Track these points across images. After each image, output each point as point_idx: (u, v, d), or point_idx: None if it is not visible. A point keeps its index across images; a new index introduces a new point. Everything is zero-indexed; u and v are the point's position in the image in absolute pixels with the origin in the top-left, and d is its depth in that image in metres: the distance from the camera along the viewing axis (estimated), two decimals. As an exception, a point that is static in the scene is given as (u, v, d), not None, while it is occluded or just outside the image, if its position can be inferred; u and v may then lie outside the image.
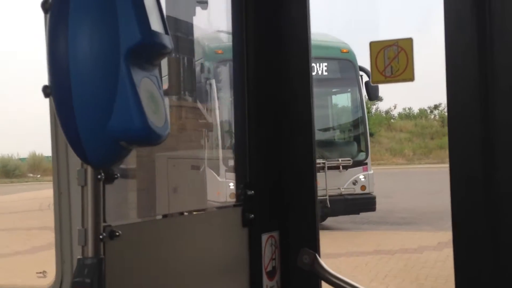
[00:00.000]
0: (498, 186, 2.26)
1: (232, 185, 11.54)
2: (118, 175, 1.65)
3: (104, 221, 1.63)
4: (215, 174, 12.57)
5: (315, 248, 2.58)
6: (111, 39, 1.45)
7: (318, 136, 15.46)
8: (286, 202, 2.62)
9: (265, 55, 2.59)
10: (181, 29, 2.58)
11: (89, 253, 1.58)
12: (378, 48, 2.60)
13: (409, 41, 2.57)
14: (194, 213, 2.36)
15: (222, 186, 12.47)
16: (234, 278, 2.45)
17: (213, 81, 10.67)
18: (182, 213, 2.31)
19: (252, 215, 2.47)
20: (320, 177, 13.82)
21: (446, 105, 2.38)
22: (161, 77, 2.35)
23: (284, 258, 2.61)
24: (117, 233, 1.69)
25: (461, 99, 2.32)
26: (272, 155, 2.61)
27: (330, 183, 13.93)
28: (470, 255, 2.30)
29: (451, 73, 2.33)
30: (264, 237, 2.51)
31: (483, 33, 2.27)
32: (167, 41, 1.56)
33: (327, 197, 13.87)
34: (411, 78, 2.57)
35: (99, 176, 1.58)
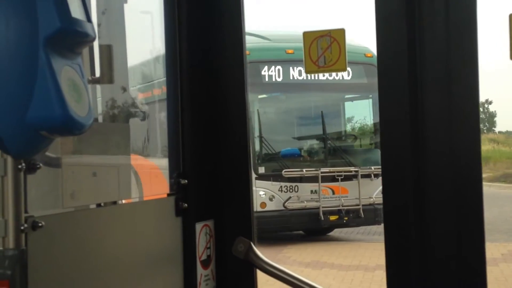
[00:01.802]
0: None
1: (263, 194, 10.81)
2: (40, 165, 1.62)
3: (26, 211, 1.60)
4: None
5: (250, 236, 2.60)
6: (28, 26, 1.42)
7: (346, 142, 14.66)
8: (221, 191, 2.63)
9: (200, 38, 2.57)
10: (112, 15, 2.55)
11: (10, 245, 1.55)
12: (311, 38, 2.62)
13: (341, 32, 2.60)
14: (127, 202, 2.34)
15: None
16: (167, 268, 2.44)
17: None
18: (115, 203, 2.28)
19: (186, 205, 2.47)
20: (353, 185, 13.12)
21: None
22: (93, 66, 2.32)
23: (219, 247, 2.62)
24: (40, 224, 1.66)
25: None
26: (207, 144, 2.61)
27: (361, 192, 13.09)
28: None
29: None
30: (198, 226, 2.51)
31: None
32: (89, 28, 1.54)
33: (361, 206, 13.05)
34: (343, 68, 2.61)
35: (19, 166, 1.55)
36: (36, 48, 1.42)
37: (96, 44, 2.21)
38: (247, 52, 2.88)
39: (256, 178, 12.26)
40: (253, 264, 2.56)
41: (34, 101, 1.43)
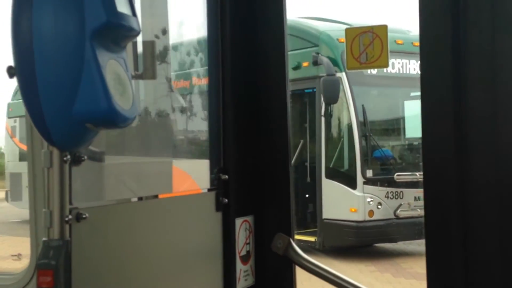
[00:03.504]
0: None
1: (370, 201, 10.65)
2: (85, 157, 1.65)
3: (71, 203, 1.63)
4: (347, 187, 11.34)
5: (289, 233, 2.59)
6: (76, 20, 1.44)
7: (401, 143, 12.91)
8: (261, 187, 2.63)
9: (242, 38, 2.58)
10: (156, 9, 2.57)
11: (54, 235, 1.58)
12: (353, 35, 2.60)
13: (383, 28, 2.58)
14: (168, 197, 2.36)
15: (359, 201, 11.19)
16: (207, 262, 2.46)
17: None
18: (156, 197, 2.31)
19: (226, 200, 2.48)
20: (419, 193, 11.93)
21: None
22: (137, 60, 2.34)
23: (258, 243, 2.62)
24: (84, 216, 1.69)
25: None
26: (247, 140, 2.61)
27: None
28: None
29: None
30: (238, 221, 2.52)
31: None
32: (134, 23, 1.56)
33: None
34: (385, 64, 2.58)
35: (65, 158, 1.57)
36: (83, 41, 1.44)
37: (139, 40, 2.24)
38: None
39: (364, 183, 11.48)
40: (292, 261, 2.56)
41: (80, 94, 1.45)
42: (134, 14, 1.57)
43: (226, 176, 2.50)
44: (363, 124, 11.73)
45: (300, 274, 2.64)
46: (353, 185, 11.48)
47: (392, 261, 11.62)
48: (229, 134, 2.52)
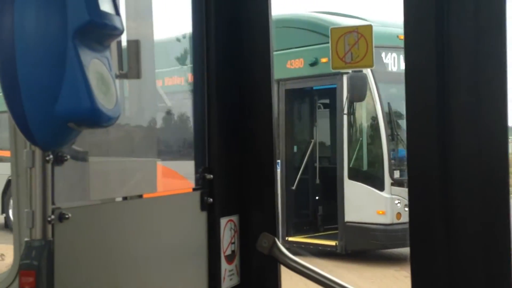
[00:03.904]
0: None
1: (398, 202, 10.14)
2: (68, 156, 1.64)
3: (53, 203, 1.62)
4: (373, 188, 10.90)
5: (274, 232, 2.59)
6: (58, 19, 1.43)
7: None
8: (246, 186, 2.63)
9: (227, 37, 2.58)
10: (140, 9, 2.56)
11: (37, 236, 1.57)
12: (338, 35, 2.61)
13: (368, 28, 2.59)
14: (152, 197, 2.35)
15: (387, 203, 10.63)
16: (192, 262, 2.45)
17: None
18: (140, 196, 2.30)
19: (211, 199, 2.48)
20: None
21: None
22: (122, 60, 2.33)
23: (244, 242, 2.62)
24: (66, 216, 1.67)
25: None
26: (232, 139, 2.61)
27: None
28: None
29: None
30: (223, 221, 2.52)
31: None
32: (117, 22, 1.55)
33: None
34: (370, 64, 2.59)
35: (47, 158, 1.56)
36: (65, 40, 1.43)
37: (123, 39, 2.23)
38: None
39: (392, 184, 10.97)
40: (277, 260, 2.56)
41: (62, 93, 1.44)
42: (117, 13, 1.56)
43: (211, 176, 2.49)
44: (390, 123, 11.30)
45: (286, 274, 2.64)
46: (380, 187, 10.96)
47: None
48: (214, 133, 2.52)
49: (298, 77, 11.17)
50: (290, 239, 11.60)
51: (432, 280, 2.31)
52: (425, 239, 2.34)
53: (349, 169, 11.30)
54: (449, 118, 2.29)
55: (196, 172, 2.50)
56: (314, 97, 12.63)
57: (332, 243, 11.38)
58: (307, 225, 12.14)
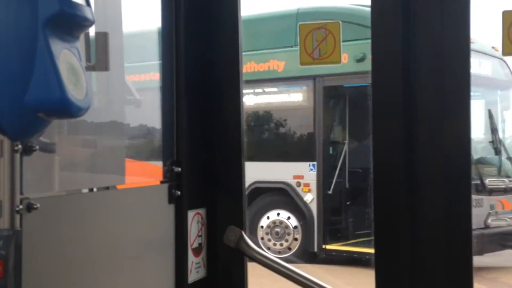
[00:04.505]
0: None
1: None
2: (37, 147, 1.63)
3: (21, 193, 1.61)
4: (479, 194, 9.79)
5: (242, 225, 2.62)
6: (28, 8, 1.43)
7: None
8: (214, 179, 2.65)
9: (197, 31, 2.59)
10: (110, 3, 2.56)
11: (5, 225, 1.57)
12: (306, 31, 2.64)
13: (336, 25, 2.62)
14: (120, 188, 2.36)
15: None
16: (159, 254, 2.46)
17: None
18: (108, 188, 2.30)
19: (179, 192, 2.49)
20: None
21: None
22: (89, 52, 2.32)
23: (211, 235, 2.64)
24: (35, 206, 1.67)
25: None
26: (201, 132, 2.62)
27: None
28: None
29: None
30: (191, 214, 2.53)
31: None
32: (88, 12, 1.55)
33: None
34: (337, 61, 2.63)
35: (16, 148, 1.56)
36: (36, 30, 1.43)
37: (92, 31, 2.22)
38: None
39: None
40: (243, 253, 2.58)
41: (32, 83, 1.44)
42: (88, 4, 1.57)
43: (179, 169, 2.50)
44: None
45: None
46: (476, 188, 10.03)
47: (477, 274, 9.64)
48: (182, 126, 2.53)
49: (340, 73, 10.25)
50: (328, 247, 10.66)
51: (396, 276, 2.37)
52: (390, 239, 2.39)
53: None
54: (415, 118, 2.34)
55: (164, 165, 2.51)
56: (357, 95, 11.83)
57: None
58: (339, 232, 11.19)
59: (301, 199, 10.64)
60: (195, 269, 2.54)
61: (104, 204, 2.17)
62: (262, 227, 10.94)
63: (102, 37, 2.34)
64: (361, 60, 10.15)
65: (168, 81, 2.53)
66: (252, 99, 11.48)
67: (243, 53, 2.70)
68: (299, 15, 10.75)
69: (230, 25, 2.64)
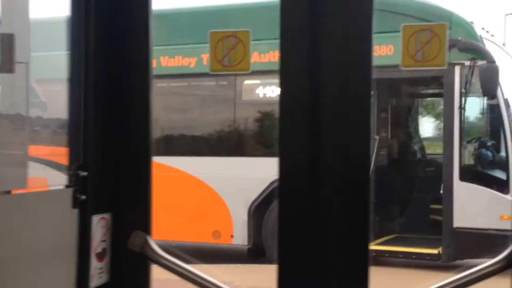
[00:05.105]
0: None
1: None
2: None
3: None
4: (496, 191, 9.53)
5: (147, 230, 2.62)
6: None
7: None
8: (120, 184, 2.64)
9: (105, 35, 2.57)
10: (17, 4, 2.52)
11: None
12: (217, 38, 2.67)
13: (246, 33, 2.66)
14: (21, 193, 2.33)
15: None
16: (60, 260, 2.44)
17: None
18: (8, 192, 2.27)
19: (84, 197, 2.47)
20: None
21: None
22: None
23: (116, 240, 2.63)
24: None
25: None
26: (108, 136, 2.60)
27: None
28: None
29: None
30: (95, 218, 2.52)
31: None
32: None
33: None
34: (247, 68, 2.67)
35: None
36: None
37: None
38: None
39: None
40: (148, 258, 2.59)
41: None
42: None
43: (85, 173, 2.49)
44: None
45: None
46: (504, 190, 9.64)
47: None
48: (89, 130, 2.51)
49: (393, 65, 9.20)
50: (377, 247, 9.97)
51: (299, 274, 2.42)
52: (295, 238, 2.44)
53: (461, 169, 9.85)
54: (320, 118, 2.40)
55: (70, 169, 2.49)
56: (409, 88, 11.45)
57: (434, 251, 10.03)
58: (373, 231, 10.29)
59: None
60: (98, 274, 2.53)
61: (4, 209, 2.14)
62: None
63: (8, 38, 2.31)
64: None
65: (75, 85, 2.51)
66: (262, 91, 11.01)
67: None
68: None
69: (140, 22, 2.61)
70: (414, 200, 11.06)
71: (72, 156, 2.52)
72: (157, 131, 10.94)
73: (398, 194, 11.05)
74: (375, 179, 9.45)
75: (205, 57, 10.42)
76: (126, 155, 2.64)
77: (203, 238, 10.97)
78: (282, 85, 2.47)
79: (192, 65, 11.04)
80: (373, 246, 9.71)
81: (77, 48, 2.51)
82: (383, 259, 10.01)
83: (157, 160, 2.71)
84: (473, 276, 2.31)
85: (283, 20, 2.45)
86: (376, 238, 10.22)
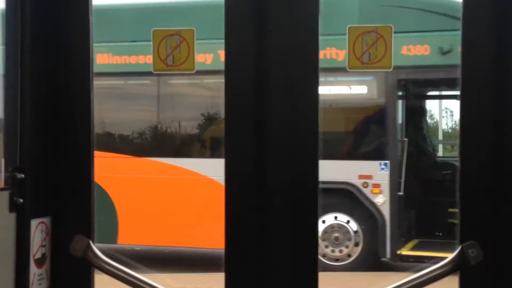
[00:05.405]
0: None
1: None
2: None
3: None
4: None
5: (89, 234, 2.52)
6: None
7: None
8: (60, 187, 2.53)
9: (43, 31, 2.47)
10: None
11: None
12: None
13: (190, 32, 2.62)
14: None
15: None
16: None
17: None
18: None
19: (21, 200, 2.36)
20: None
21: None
22: None
23: (56, 245, 2.52)
24: None
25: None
26: (47, 137, 2.50)
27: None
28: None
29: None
30: (34, 223, 2.40)
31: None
32: None
33: None
34: (191, 68, 2.63)
35: None
36: None
37: None
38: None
39: None
40: (91, 263, 2.49)
41: None
42: None
43: (23, 175, 2.37)
44: None
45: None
46: None
47: None
48: (27, 130, 2.40)
49: (419, 65, 9.22)
50: (404, 252, 9.49)
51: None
52: (239, 239, 2.42)
53: None
54: (267, 117, 2.39)
55: (6, 171, 2.37)
56: (435, 88, 10.93)
57: None
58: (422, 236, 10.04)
59: (369, 200, 9.33)
60: (38, 281, 2.41)
61: None
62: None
63: None
64: (447, 52, 9.09)
65: (11, 83, 2.40)
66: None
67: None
68: None
69: (80, 18, 2.52)
70: (434, 203, 10.37)
71: (8, 157, 2.40)
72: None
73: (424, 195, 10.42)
74: (404, 181, 9.34)
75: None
76: (65, 156, 2.54)
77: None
78: (227, 85, 2.45)
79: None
80: (420, 253, 9.44)
81: (11, 44, 2.40)
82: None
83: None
84: (422, 279, 2.35)
85: (228, 19, 2.43)
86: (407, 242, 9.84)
